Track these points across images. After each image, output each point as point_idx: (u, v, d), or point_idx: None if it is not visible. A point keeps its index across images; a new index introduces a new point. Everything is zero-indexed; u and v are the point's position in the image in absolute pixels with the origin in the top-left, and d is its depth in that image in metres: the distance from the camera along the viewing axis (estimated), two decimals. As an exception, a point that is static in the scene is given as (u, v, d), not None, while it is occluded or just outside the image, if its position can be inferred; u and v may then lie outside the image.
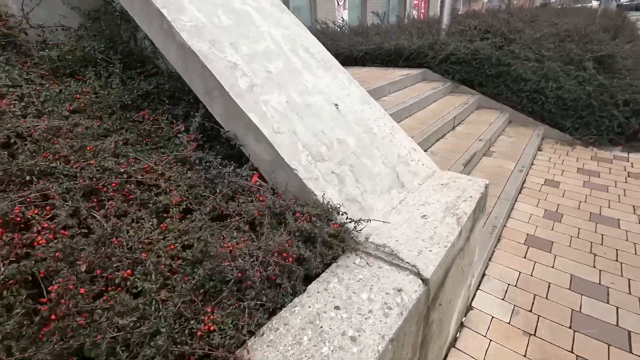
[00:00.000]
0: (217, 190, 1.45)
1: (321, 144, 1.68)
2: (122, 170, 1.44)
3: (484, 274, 2.68)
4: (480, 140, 4.32)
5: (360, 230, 1.45)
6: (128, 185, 1.44)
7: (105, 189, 1.35)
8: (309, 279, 1.33)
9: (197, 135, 1.97)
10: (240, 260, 1.06)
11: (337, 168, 1.64)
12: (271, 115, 1.62)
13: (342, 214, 1.40)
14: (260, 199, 1.44)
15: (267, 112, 1.62)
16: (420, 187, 1.86)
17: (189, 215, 1.48)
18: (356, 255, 1.37)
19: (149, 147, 1.92)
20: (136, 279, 1.09)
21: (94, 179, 1.29)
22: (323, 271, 1.34)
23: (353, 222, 1.41)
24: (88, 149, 1.55)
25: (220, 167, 1.46)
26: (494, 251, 2.92)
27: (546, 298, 2.42)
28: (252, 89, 1.67)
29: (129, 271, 1.09)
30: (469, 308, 2.37)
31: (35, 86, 1.94)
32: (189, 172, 1.63)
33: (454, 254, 1.54)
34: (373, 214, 1.59)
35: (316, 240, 1.30)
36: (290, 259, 1.21)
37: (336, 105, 1.90)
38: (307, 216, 1.39)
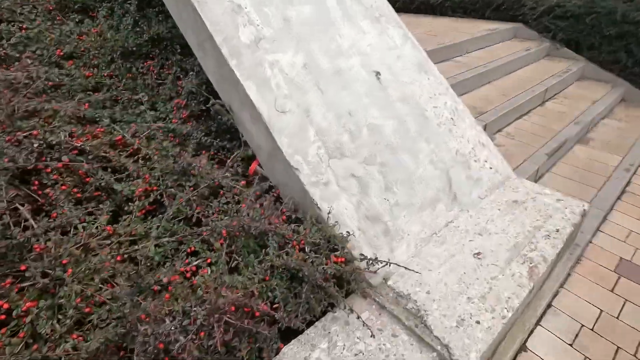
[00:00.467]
0: (187, 187, 1.08)
1: (344, 130, 1.19)
2: (77, 145, 1.12)
3: (549, 304, 2.10)
4: (576, 123, 3.39)
5: (377, 270, 1.00)
6: (87, 165, 1.13)
7: (49, 170, 1.05)
8: (290, 331, 0.95)
9: (199, 98, 1.59)
10: (167, 321, 0.70)
11: (361, 168, 1.16)
12: (277, 85, 1.16)
13: (347, 251, 0.96)
14: (242, 205, 1.04)
15: (271, 80, 1.16)
16: (482, 202, 1.32)
17: (162, 212, 1.15)
18: (355, 315, 0.94)
19: (142, 110, 1.58)
20: (42, 314, 0.79)
21: (28, 158, 0.98)
22: (312, 323, 0.95)
23: (365, 260, 0.97)
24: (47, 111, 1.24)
25: (191, 158, 1.06)
26: (569, 274, 2.29)
27: (635, 356, 1.81)
28: (257, 44, 1.20)
29: (31, 302, 0.79)
30: (521, 348, 1.86)
31: (23, 23, 1.66)
32: (170, 150, 1.28)
33: (514, 320, 1.04)
34: (403, 241, 1.12)
35: (303, 284, 0.89)
36: (258, 313, 0.82)
37: (377, 73, 1.36)
38: (301, 242, 0.97)
